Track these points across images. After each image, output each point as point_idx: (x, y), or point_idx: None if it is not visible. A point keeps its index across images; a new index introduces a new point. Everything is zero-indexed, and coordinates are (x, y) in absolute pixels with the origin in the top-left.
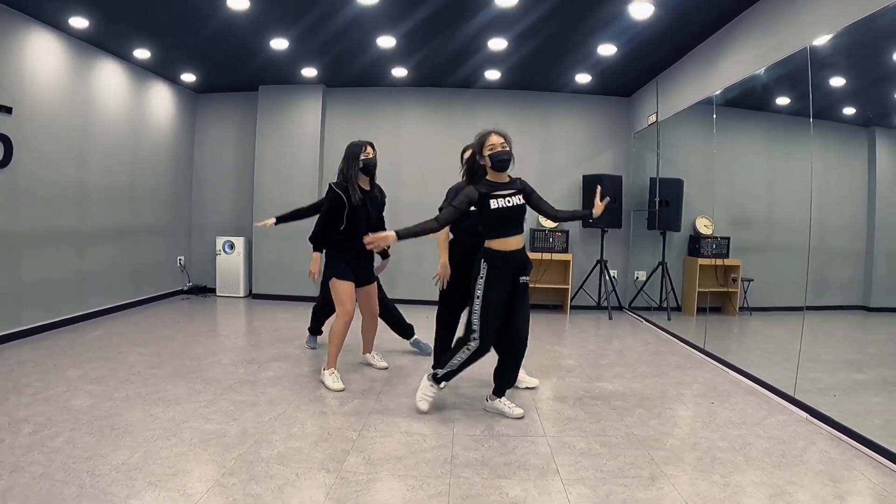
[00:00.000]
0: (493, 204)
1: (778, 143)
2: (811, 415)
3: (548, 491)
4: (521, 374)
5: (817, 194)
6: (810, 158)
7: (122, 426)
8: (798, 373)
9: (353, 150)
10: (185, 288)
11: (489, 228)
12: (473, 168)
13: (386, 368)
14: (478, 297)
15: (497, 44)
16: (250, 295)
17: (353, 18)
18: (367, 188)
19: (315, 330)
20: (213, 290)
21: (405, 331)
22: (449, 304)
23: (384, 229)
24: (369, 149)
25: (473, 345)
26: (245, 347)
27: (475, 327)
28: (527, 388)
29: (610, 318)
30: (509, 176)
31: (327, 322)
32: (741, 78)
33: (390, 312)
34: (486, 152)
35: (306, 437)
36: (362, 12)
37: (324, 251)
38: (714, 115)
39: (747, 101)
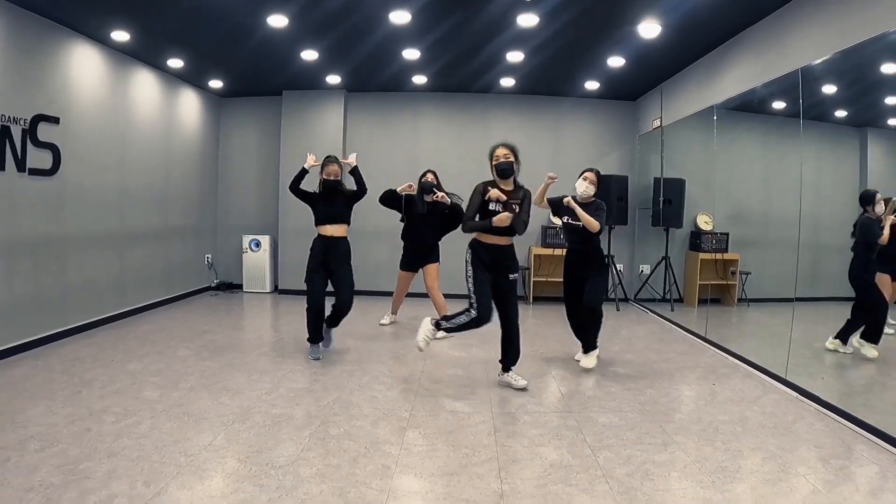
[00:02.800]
0: (491, 206)
1: (773, 144)
2: (801, 394)
3: (579, 455)
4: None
5: (812, 191)
6: (800, 162)
7: (197, 413)
8: (789, 357)
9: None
10: (213, 284)
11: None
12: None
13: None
14: (469, 277)
15: (514, 56)
16: (276, 290)
17: (385, 35)
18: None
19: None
20: (239, 287)
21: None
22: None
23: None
24: (429, 174)
25: (473, 313)
26: (286, 341)
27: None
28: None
29: (617, 310)
30: (515, 183)
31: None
32: (740, 91)
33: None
34: (494, 163)
35: (365, 418)
36: (394, 30)
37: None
38: (715, 120)
39: (746, 107)
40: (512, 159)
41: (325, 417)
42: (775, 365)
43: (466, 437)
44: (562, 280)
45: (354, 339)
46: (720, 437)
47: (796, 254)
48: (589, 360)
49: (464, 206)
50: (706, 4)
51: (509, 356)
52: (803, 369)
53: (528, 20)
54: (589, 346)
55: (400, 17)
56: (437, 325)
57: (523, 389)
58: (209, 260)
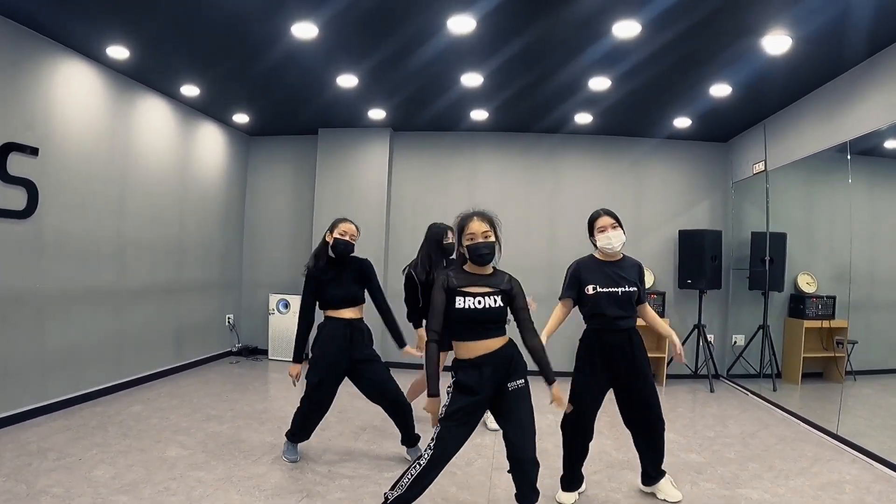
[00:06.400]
0: (459, 302)
1: (879, 189)
2: None
3: None
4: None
5: None
6: None
7: None
8: None
9: (436, 234)
10: (234, 349)
11: (451, 330)
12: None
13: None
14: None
15: (599, 83)
16: (306, 359)
17: (440, 50)
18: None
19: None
20: (264, 353)
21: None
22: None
23: None
24: (450, 234)
25: (424, 458)
26: (310, 440)
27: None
28: None
29: (711, 391)
30: (494, 268)
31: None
32: (889, 123)
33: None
34: (465, 242)
35: None
36: (452, 43)
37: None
38: (849, 159)
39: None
40: (493, 239)
41: None
42: None
43: None
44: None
45: (371, 438)
46: None
47: None
48: (674, 491)
49: None
50: (863, 6)
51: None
52: None
53: (627, 29)
54: (659, 470)
55: (461, 24)
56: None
57: None
58: (230, 321)
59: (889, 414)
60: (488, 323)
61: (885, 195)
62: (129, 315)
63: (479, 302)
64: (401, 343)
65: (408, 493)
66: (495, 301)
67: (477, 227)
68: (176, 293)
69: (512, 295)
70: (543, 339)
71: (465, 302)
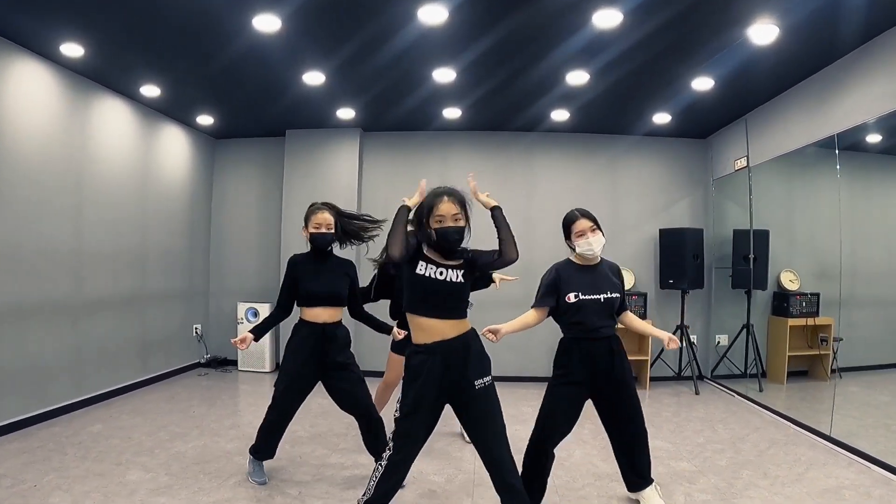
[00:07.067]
0: (421, 268)
1: (861, 183)
2: None
3: None
4: None
5: None
6: None
7: None
8: None
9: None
10: (203, 361)
11: (407, 300)
12: None
13: None
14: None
15: (577, 77)
16: (277, 370)
17: (411, 43)
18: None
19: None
20: (234, 363)
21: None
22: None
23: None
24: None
25: (383, 461)
26: (278, 457)
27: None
28: None
29: (697, 393)
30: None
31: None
32: (878, 115)
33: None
34: (433, 224)
35: None
36: (423, 35)
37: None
38: (837, 153)
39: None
40: (464, 224)
41: None
42: None
43: None
44: None
45: (344, 455)
46: None
47: None
48: (659, 501)
49: None
50: None
51: None
52: None
53: (608, 18)
54: (646, 477)
55: (433, 14)
56: None
57: None
58: (198, 331)
59: (880, 413)
60: (449, 298)
61: (867, 190)
62: (88, 328)
63: (441, 273)
64: (387, 330)
65: (376, 494)
66: (457, 276)
67: (447, 208)
68: (139, 304)
69: (473, 260)
70: (505, 328)
71: (426, 269)
